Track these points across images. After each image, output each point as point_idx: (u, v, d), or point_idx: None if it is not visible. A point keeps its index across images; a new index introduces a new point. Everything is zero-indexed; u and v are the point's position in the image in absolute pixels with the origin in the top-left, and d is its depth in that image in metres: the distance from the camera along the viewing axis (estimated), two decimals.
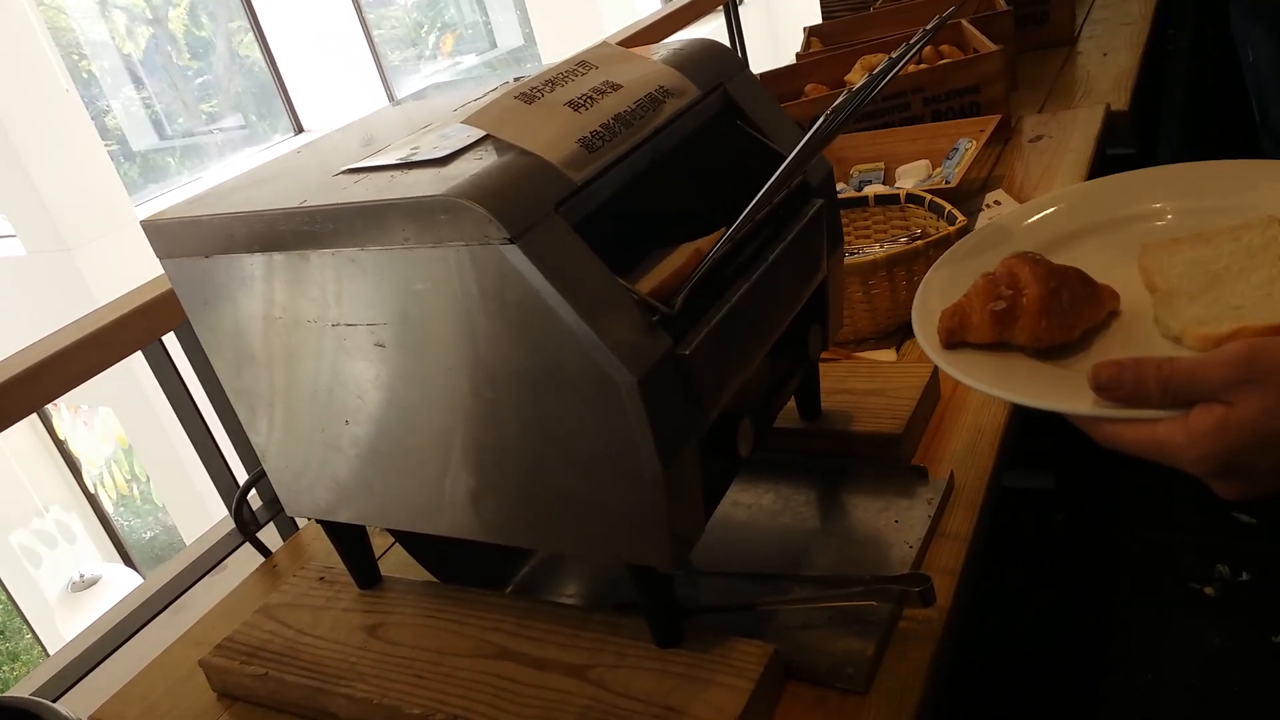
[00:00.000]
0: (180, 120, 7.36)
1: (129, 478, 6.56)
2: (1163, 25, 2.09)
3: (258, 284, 0.67)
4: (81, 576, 5.58)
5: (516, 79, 0.73)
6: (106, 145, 6.71)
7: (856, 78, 1.65)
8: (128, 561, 6.35)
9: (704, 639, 0.68)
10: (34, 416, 5.95)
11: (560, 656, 0.71)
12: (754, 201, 0.57)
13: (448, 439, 0.66)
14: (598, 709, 0.66)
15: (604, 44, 0.75)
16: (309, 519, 0.89)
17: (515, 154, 0.61)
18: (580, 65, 0.71)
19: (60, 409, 6.07)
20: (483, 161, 0.61)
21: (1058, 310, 0.59)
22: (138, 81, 7.11)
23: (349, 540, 0.82)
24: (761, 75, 1.81)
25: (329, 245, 0.62)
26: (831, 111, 0.55)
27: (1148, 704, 1.55)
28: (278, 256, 0.65)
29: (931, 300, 0.67)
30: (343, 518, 0.77)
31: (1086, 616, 1.74)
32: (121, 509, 6.62)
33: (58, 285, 5.19)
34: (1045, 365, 0.58)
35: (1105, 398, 0.50)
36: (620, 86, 0.69)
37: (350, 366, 0.67)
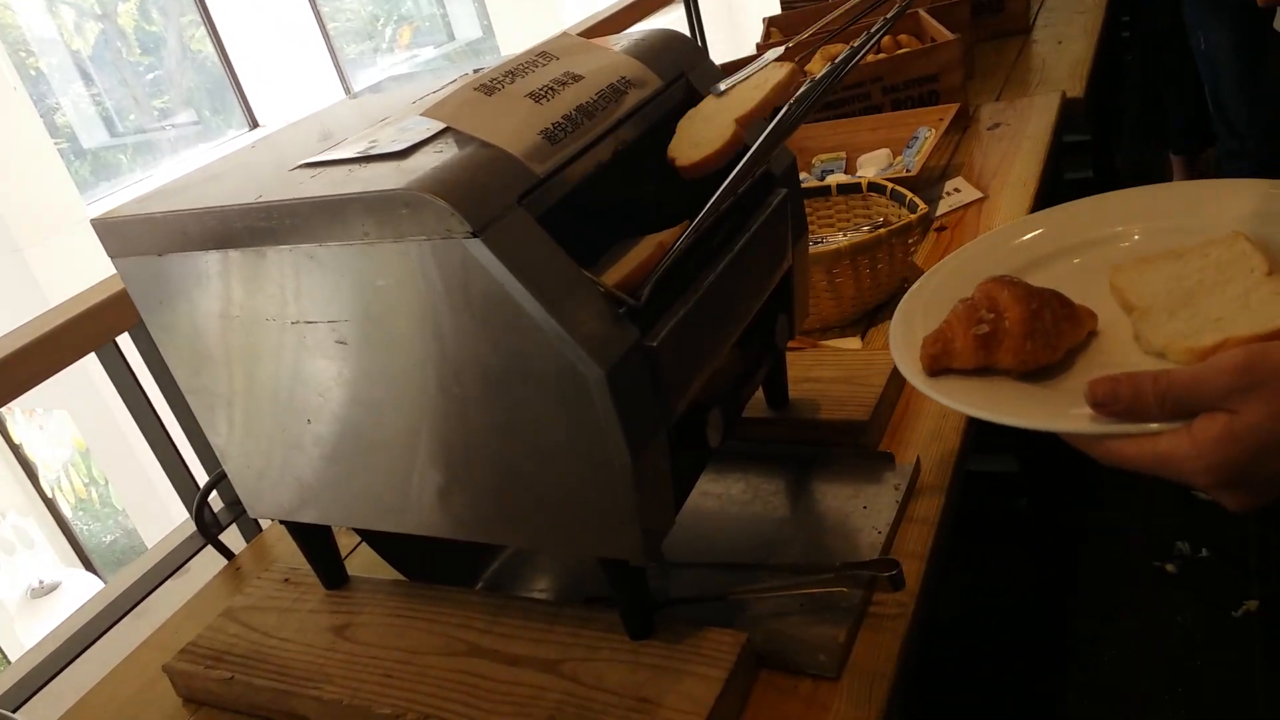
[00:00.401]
0: (132, 117, 7.21)
1: (87, 481, 6.43)
2: (1117, 13, 2.12)
3: (213, 282, 0.66)
4: (41, 583, 5.47)
5: (476, 71, 0.73)
6: (56, 143, 6.56)
7: (817, 68, 1.65)
8: (88, 566, 6.23)
9: (676, 630, 0.68)
10: None
11: (532, 652, 0.70)
12: (719, 192, 0.57)
13: (414, 436, 0.65)
14: (572, 703, 0.65)
15: (564, 35, 0.74)
16: (272, 520, 0.87)
17: (476, 146, 0.60)
18: (541, 56, 0.70)
19: (14, 413, 5.93)
20: (443, 154, 0.60)
21: (1041, 331, 0.59)
22: (87, 78, 6.96)
23: (314, 541, 0.81)
24: (722, 66, 1.81)
25: (286, 241, 0.61)
26: (794, 101, 0.55)
27: (1113, 681, 1.58)
28: (233, 254, 0.64)
29: (909, 329, 0.66)
30: (307, 518, 0.76)
31: (1051, 597, 1.77)
32: (80, 513, 6.49)
33: (9, 286, 5.07)
34: (1033, 387, 0.57)
35: (1103, 414, 0.49)
36: (581, 77, 0.69)
37: (311, 365, 0.66)
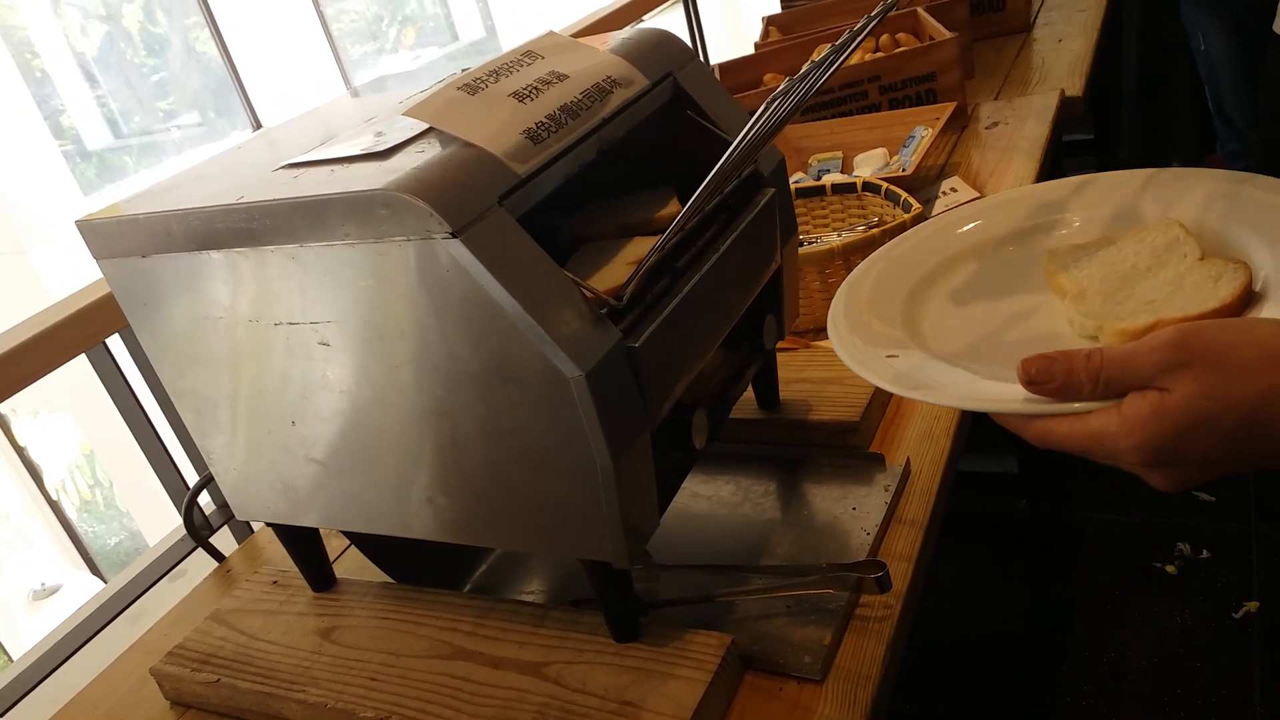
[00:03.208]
0: (136, 118, 7.23)
1: (91, 483, 6.44)
2: (1117, 11, 2.11)
3: (196, 284, 0.66)
4: (43, 585, 5.48)
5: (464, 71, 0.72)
6: (61, 145, 6.58)
7: None
8: (93, 568, 6.24)
9: (662, 632, 0.68)
10: None
11: (517, 654, 0.70)
12: (700, 189, 0.57)
13: (396, 438, 0.65)
14: (555, 706, 0.65)
15: (550, 34, 0.74)
16: (259, 523, 0.87)
17: (458, 146, 0.60)
18: (526, 56, 0.69)
19: (19, 415, 5.95)
20: (425, 155, 0.59)
21: None
22: (92, 80, 6.98)
23: (301, 543, 0.81)
24: (720, 65, 1.80)
25: (268, 242, 0.61)
26: (774, 98, 0.54)
27: (1111, 682, 1.57)
28: (216, 255, 0.63)
29: (857, 318, 0.65)
30: (293, 520, 0.76)
31: (1050, 598, 1.76)
32: (85, 515, 6.51)
33: (13, 287, 5.09)
34: (965, 370, 0.57)
35: (1035, 392, 0.48)
36: (566, 77, 0.68)
37: (294, 367, 0.66)
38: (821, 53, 0.60)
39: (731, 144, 0.56)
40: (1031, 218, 0.71)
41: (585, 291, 0.58)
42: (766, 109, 0.54)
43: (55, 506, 6.18)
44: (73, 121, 6.78)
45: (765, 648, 0.68)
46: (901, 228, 1.03)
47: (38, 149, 5.54)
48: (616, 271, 0.64)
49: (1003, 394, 0.51)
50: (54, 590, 5.43)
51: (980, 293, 0.67)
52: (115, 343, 0.98)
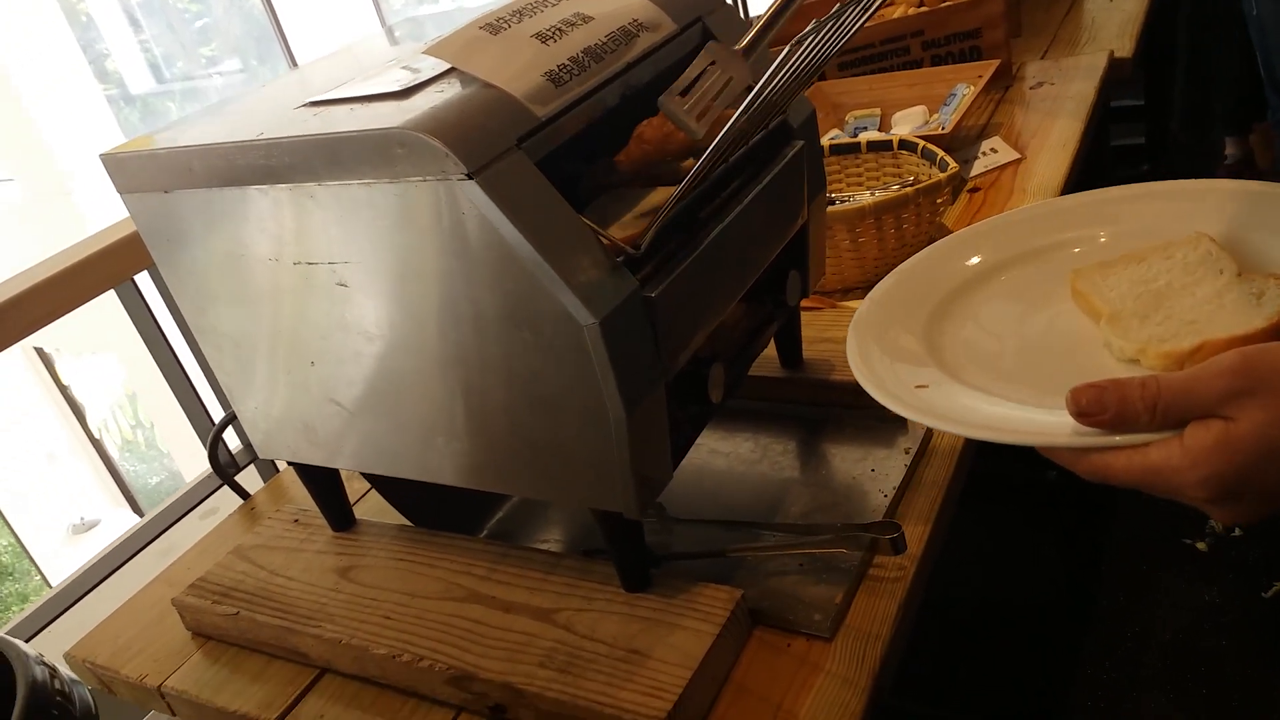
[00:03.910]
0: (179, 64, 7.28)
1: (134, 424, 6.59)
2: None
3: (218, 220, 0.66)
4: (82, 519, 5.65)
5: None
6: (106, 89, 6.64)
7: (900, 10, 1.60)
8: (134, 506, 6.41)
9: (673, 584, 0.68)
10: (38, 362, 5.96)
11: (528, 600, 0.70)
12: (720, 135, 0.55)
13: (413, 381, 0.65)
14: (563, 651, 0.65)
15: None
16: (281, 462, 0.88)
17: (478, 87, 0.59)
18: None
19: (63, 355, 6.08)
20: (444, 94, 0.59)
21: None
22: (136, 25, 7.02)
23: (321, 483, 0.82)
24: (756, 17, 1.77)
25: (286, 180, 0.61)
26: (795, 42, 0.53)
27: (1133, 657, 1.56)
28: (236, 191, 0.63)
29: (880, 339, 0.63)
30: (312, 460, 0.76)
31: (1077, 569, 1.74)
32: (127, 454, 6.67)
33: (57, 229, 5.18)
34: (1009, 401, 0.54)
35: (1088, 424, 0.45)
36: (592, 19, 0.67)
37: (313, 307, 0.66)
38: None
39: (755, 88, 0.54)
40: (1048, 234, 0.69)
41: (603, 239, 0.57)
42: (792, 52, 0.53)
43: (98, 445, 6.34)
44: (117, 66, 6.84)
45: (776, 604, 0.68)
46: (936, 187, 1.01)
47: (82, 93, 5.60)
48: (636, 220, 0.63)
49: (1051, 426, 0.48)
50: (93, 525, 5.59)
51: (1004, 316, 0.64)
52: (145, 281, 0.98)
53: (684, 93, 0.57)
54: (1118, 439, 0.45)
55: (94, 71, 6.48)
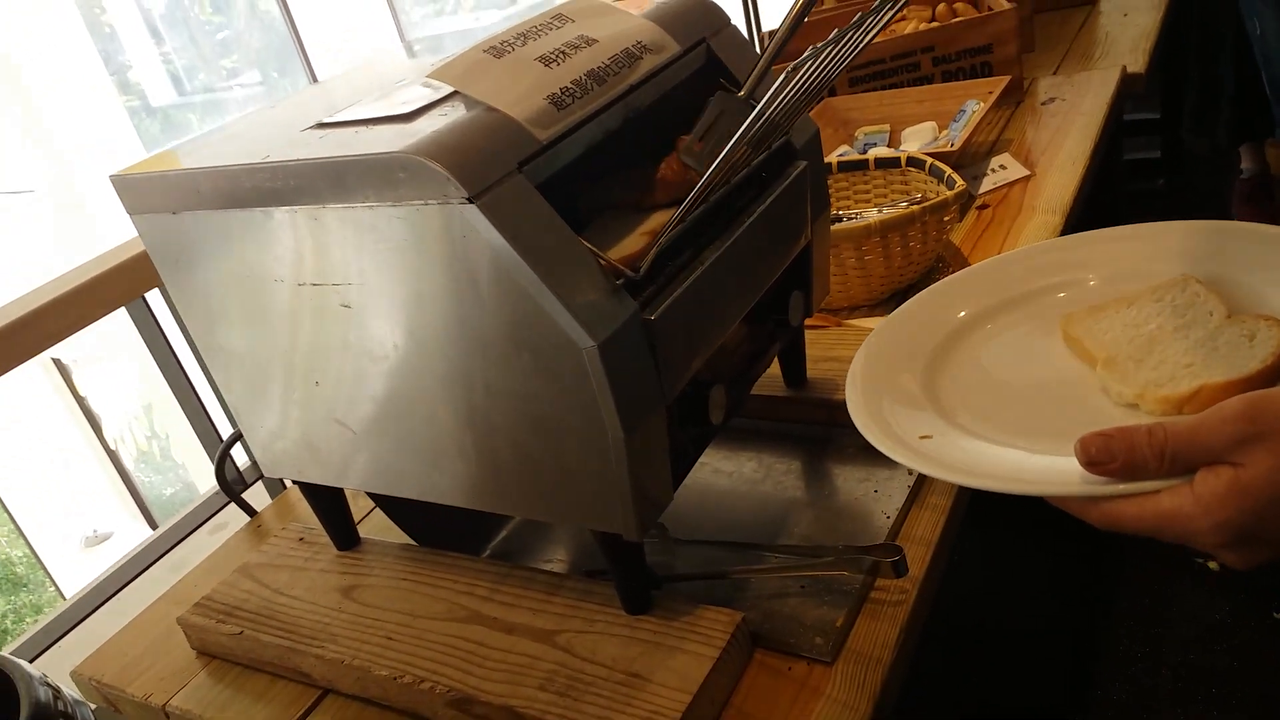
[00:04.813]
0: (200, 76, 7.34)
1: (149, 435, 6.63)
2: None
3: (224, 241, 0.66)
4: (95, 532, 5.67)
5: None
6: (127, 101, 6.71)
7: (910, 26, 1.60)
8: (148, 517, 6.44)
9: (674, 606, 0.68)
10: (55, 373, 6.02)
11: (530, 621, 0.70)
12: (720, 156, 0.55)
13: (415, 402, 0.65)
14: (563, 674, 0.65)
15: None
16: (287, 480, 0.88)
17: (481, 110, 0.59)
18: (556, 19, 0.68)
19: (80, 365, 6.13)
20: (447, 118, 0.59)
21: None
22: (158, 37, 7.09)
23: (326, 502, 0.82)
24: (770, 33, 1.77)
25: (292, 202, 0.61)
26: (799, 63, 0.53)
27: (1145, 676, 1.54)
28: (242, 213, 0.64)
29: (875, 395, 0.62)
30: (316, 479, 0.77)
31: (1087, 588, 1.73)
32: (142, 465, 6.70)
33: (76, 241, 5.23)
34: (1015, 451, 0.54)
35: (1097, 473, 0.46)
36: (596, 41, 0.67)
37: (317, 327, 0.66)
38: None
39: (755, 109, 0.54)
40: (1034, 280, 0.70)
41: (602, 261, 0.58)
42: (790, 78, 0.53)
43: (113, 456, 6.38)
44: (138, 78, 6.90)
45: (776, 626, 0.68)
46: (942, 205, 1.01)
47: (103, 104, 5.66)
48: (636, 242, 0.64)
49: (1060, 476, 0.48)
50: (105, 538, 5.61)
51: (998, 363, 0.65)
52: (155, 298, 0.99)
53: (701, 139, 0.60)
54: (1127, 487, 0.45)
55: (116, 83, 6.54)
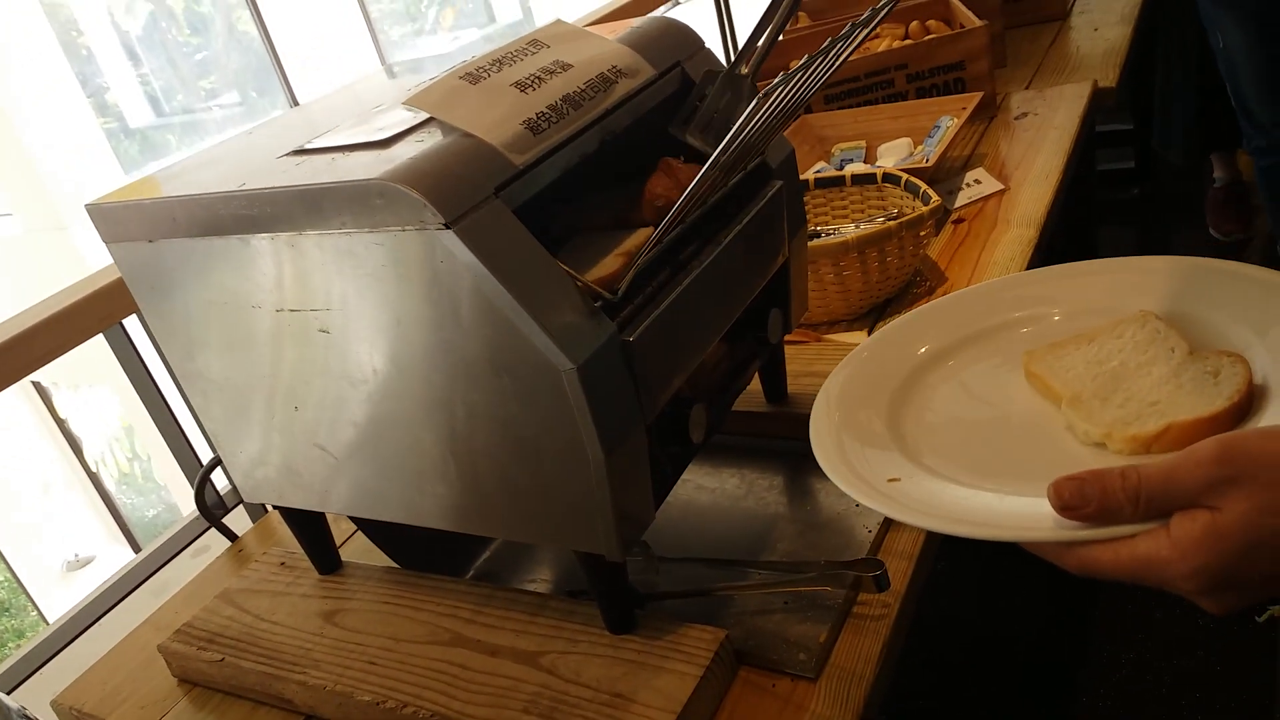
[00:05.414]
0: (179, 97, 7.32)
1: (130, 457, 6.58)
2: (1155, 3, 2.07)
3: (201, 269, 0.66)
4: (76, 556, 5.61)
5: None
6: (105, 123, 6.68)
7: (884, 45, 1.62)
8: (130, 540, 6.38)
9: (657, 625, 0.68)
10: (35, 396, 5.96)
11: (513, 643, 0.70)
12: (696, 179, 0.56)
13: (395, 425, 0.65)
14: (546, 696, 0.65)
15: (558, 22, 0.74)
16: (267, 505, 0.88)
17: (457, 136, 0.59)
18: (531, 44, 0.69)
19: (60, 388, 6.08)
20: (423, 144, 0.59)
21: None
22: (135, 58, 7.07)
23: (306, 526, 0.82)
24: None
25: (268, 230, 0.61)
26: (771, 89, 0.53)
27: (1130, 683, 1.55)
28: (219, 241, 0.64)
29: (837, 441, 0.62)
30: (297, 504, 0.76)
31: (1072, 596, 1.74)
32: (124, 487, 6.65)
33: (55, 263, 5.19)
34: (986, 494, 0.53)
35: (1071, 517, 0.45)
36: (571, 66, 0.68)
37: (297, 353, 0.66)
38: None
39: (730, 132, 0.55)
40: (995, 315, 0.69)
41: (580, 284, 0.58)
42: (764, 100, 0.53)
43: (95, 478, 6.32)
44: (116, 99, 6.88)
45: (760, 643, 0.68)
46: (918, 221, 1.02)
47: (81, 126, 5.64)
48: (613, 263, 0.64)
49: (1034, 520, 0.47)
50: (88, 561, 5.56)
51: (961, 401, 0.64)
52: (132, 324, 0.99)
53: (689, 119, 0.59)
54: (1102, 532, 0.45)
55: (93, 105, 6.52)
